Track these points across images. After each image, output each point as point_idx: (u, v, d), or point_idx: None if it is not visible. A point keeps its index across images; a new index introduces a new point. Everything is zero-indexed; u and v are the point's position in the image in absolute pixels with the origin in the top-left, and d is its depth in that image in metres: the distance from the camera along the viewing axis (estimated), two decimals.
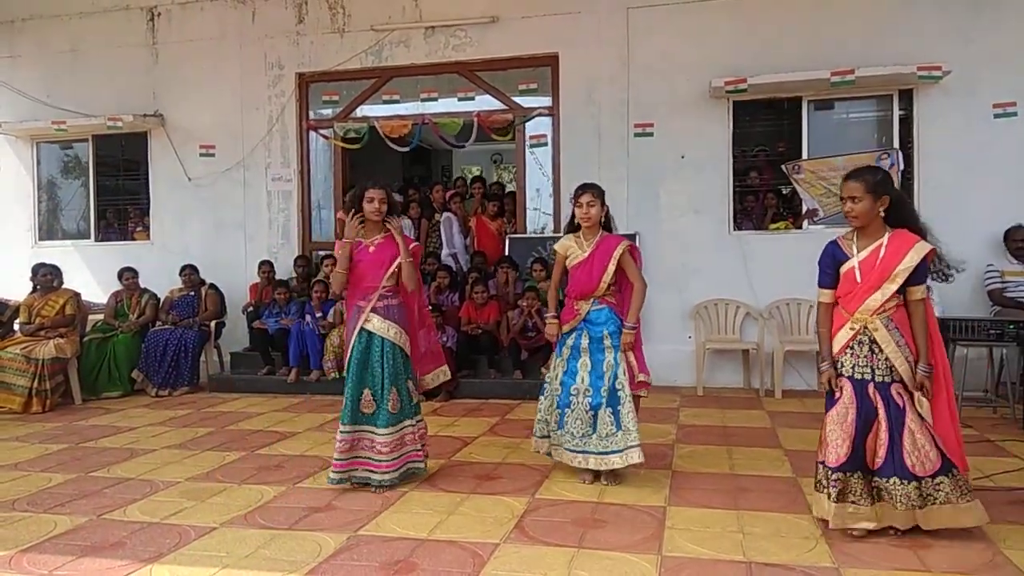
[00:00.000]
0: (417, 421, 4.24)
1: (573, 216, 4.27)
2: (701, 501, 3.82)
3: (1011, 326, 5.48)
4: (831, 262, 3.43)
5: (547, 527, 3.50)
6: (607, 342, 4.15)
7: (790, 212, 7.69)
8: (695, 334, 7.30)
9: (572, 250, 4.27)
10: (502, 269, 7.71)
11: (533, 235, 8.37)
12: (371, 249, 4.16)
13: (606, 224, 4.32)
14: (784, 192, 7.81)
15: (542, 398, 4.36)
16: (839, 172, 3.52)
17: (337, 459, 4.05)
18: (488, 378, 7.19)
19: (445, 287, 7.81)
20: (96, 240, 9.24)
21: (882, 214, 3.29)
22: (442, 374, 4.53)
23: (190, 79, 8.78)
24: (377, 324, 4.08)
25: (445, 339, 7.04)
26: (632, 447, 4.01)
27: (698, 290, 7.40)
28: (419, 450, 4.21)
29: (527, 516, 3.65)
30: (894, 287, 3.23)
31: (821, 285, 3.48)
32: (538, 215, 8.88)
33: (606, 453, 4.04)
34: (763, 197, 7.80)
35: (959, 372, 5.77)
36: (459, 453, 4.94)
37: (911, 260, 3.20)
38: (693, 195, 7.43)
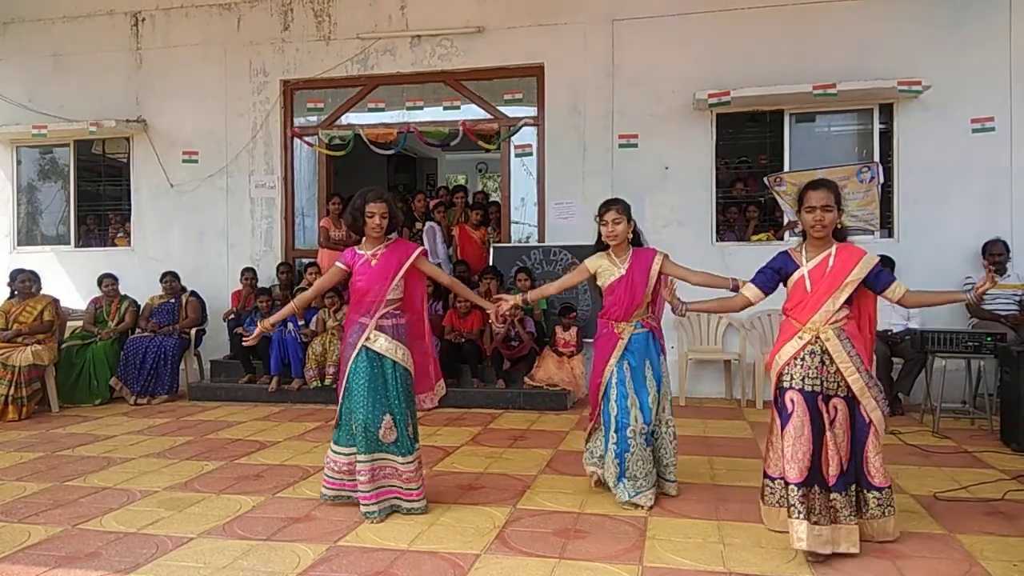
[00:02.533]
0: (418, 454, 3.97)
1: (600, 235, 4.02)
2: (682, 511, 3.83)
3: (988, 338, 5.55)
4: (777, 270, 3.44)
5: (529, 537, 3.48)
6: (649, 372, 3.97)
7: (771, 224, 7.76)
8: (677, 344, 7.33)
9: (605, 268, 4.00)
10: (486, 278, 7.70)
11: (518, 244, 8.39)
12: (373, 262, 3.84)
13: (635, 240, 4.06)
14: (762, 201, 7.87)
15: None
16: None
17: (365, 491, 3.72)
18: (471, 387, 7.18)
19: (428, 296, 7.78)
20: (76, 246, 9.16)
21: (836, 225, 3.34)
22: (440, 389, 4.21)
23: (174, 85, 8.73)
24: (385, 345, 3.77)
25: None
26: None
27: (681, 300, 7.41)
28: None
29: (509, 526, 3.64)
30: (844, 296, 3.25)
31: (753, 281, 3.51)
32: (522, 225, 8.91)
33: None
34: (745, 209, 7.86)
35: (937, 383, 5.84)
36: (441, 463, 4.92)
37: (860, 272, 3.25)
38: (677, 206, 7.47)
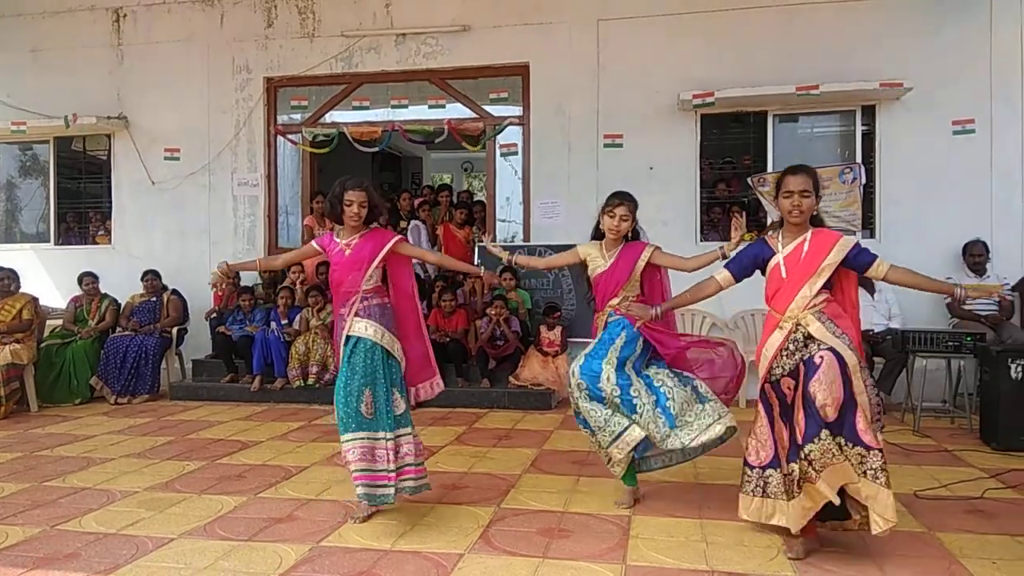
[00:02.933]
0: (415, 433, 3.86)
1: (599, 223, 3.95)
2: (666, 511, 3.83)
3: (968, 338, 5.60)
4: (753, 257, 3.43)
5: (512, 537, 3.48)
6: (612, 352, 3.75)
7: (755, 224, 7.78)
8: None
9: (593, 258, 3.96)
10: (470, 278, 7.69)
11: (503, 244, 8.36)
12: (347, 252, 3.78)
13: (634, 237, 4.00)
14: (746, 201, 7.90)
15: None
16: None
17: (388, 470, 3.62)
18: (456, 387, 7.15)
19: None
20: (56, 244, 9.06)
21: (814, 212, 3.34)
22: (435, 386, 4.08)
23: (156, 81, 8.65)
24: (363, 327, 3.71)
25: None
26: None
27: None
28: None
29: (492, 526, 3.63)
30: (820, 282, 3.23)
31: (727, 267, 3.49)
32: (508, 224, 8.90)
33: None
34: (729, 209, 7.88)
35: (918, 383, 5.89)
36: (425, 462, 4.88)
37: (837, 255, 3.23)
38: (661, 206, 7.48)
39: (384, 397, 3.70)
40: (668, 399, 3.73)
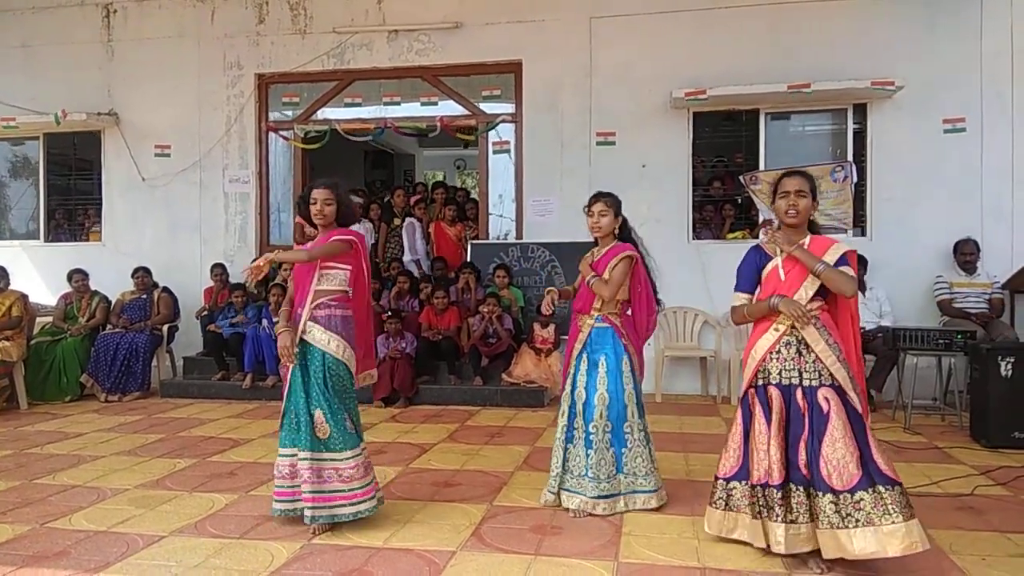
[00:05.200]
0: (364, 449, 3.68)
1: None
2: (658, 507, 3.83)
3: (959, 336, 5.62)
4: (753, 268, 3.36)
5: (505, 534, 3.48)
6: (602, 369, 3.78)
7: (747, 222, 7.81)
8: (654, 342, 7.33)
9: (589, 260, 3.98)
10: (463, 272, 7.69)
11: (496, 241, 8.37)
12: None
13: (625, 236, 3.97)
14: (738, 199, 7.93)
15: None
16: None
17: (307, 493, 3.46)
18: (448, 384, 7.16)
19: (406, 292, 7.75)
20: (46, 241, 9.00)
21: (811, 217, 3.30)
22: (368, 378, 3.94)
23: (146, 78, 8.60)
24: (318, 336, 3.55)
25: (404, 345, 6.99)
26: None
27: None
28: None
29: (485, 523, 3.63)
30: (816, 285, 3.16)
31: (738, 289, 3.39)
32: (501, 221, 8.89)
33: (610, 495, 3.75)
34: (721, 207, 7.91)
35: (909, 380, 5.92)
36: (417, 460, 4.89)
37: (831, 257, 3.16)
38: (654, 204, 7.49)
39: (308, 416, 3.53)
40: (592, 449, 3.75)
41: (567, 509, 3.77)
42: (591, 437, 3.74)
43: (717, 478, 3.34)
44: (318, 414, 3.50)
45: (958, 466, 4.66)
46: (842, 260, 3.18)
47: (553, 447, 3.94)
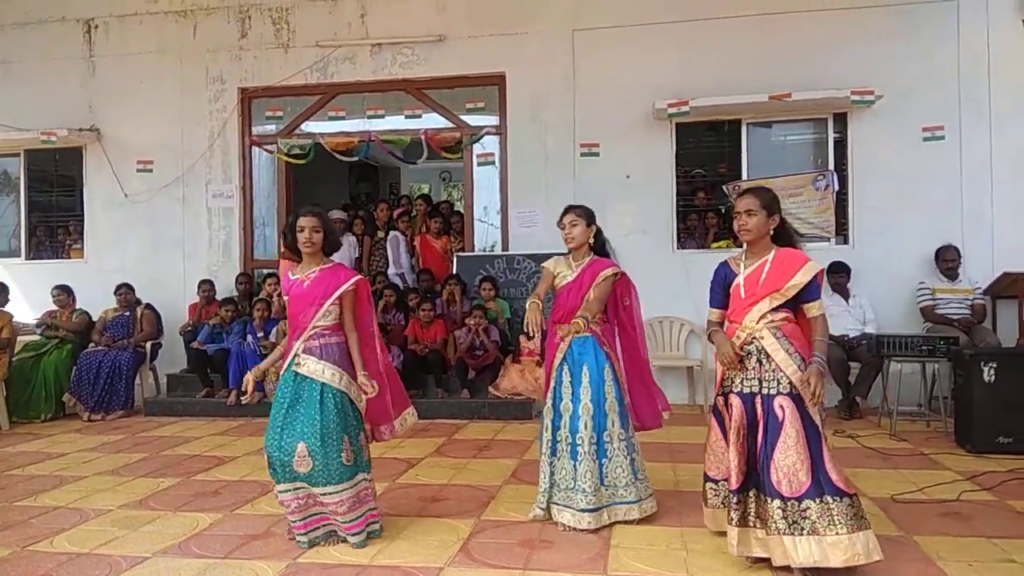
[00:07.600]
0: (371, 477, 3.67)
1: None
2: (646, 519, 3.82)
3: (942, 342, 5.67)
4: (721, 283, 3.46)
5: (493, 549, 3.46)
6: (585, 379, 3.78)
7: (731, 232, 7.83)
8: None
9: (561, 271, 4.00)
10: (449, 284, 7.68)
11: (482, 253, 8.37)
12: (305, 284, 3.58)
13: (600, 249, 4.03)
14: (722, 209, 7.96)
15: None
16: (777, 192, 3.54)
17: (294, 521, 3.49)
18: (435, 398, 7.13)
19: (391, 306, 7.73)
20: (27, 258, 8.91)
21: (771, 232, 3.34)
22: (409, 416, 3.95)
23: (128, 93, 8.56)
24: (312, 367, 3.48)
25: (391, 358, 6.94)
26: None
27: (643, 308, 7.40)
28: (375, 509, 3.66)
29: (472, 538, 3.61)
30: (782, 299, 3.20)
31: (712, 305, 3.51)
32: (486, 231, 8.89)
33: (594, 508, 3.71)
34: (705, 216, 7.94)
35: (893, 387, 5.95)
36: (404, 475, 4.86)
37: (802, 277, 3.18)
38: (638, 214, 7.52)
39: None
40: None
41: (557, 523, 3.75)
42: (577, 448, 3.73)
43: (714, 480, 3.44)
44: (300, 447, 3.37)
45: (944, 472, 4.68)
46: (813, 283, 3.22)
47: (540, 463, 3.92)
